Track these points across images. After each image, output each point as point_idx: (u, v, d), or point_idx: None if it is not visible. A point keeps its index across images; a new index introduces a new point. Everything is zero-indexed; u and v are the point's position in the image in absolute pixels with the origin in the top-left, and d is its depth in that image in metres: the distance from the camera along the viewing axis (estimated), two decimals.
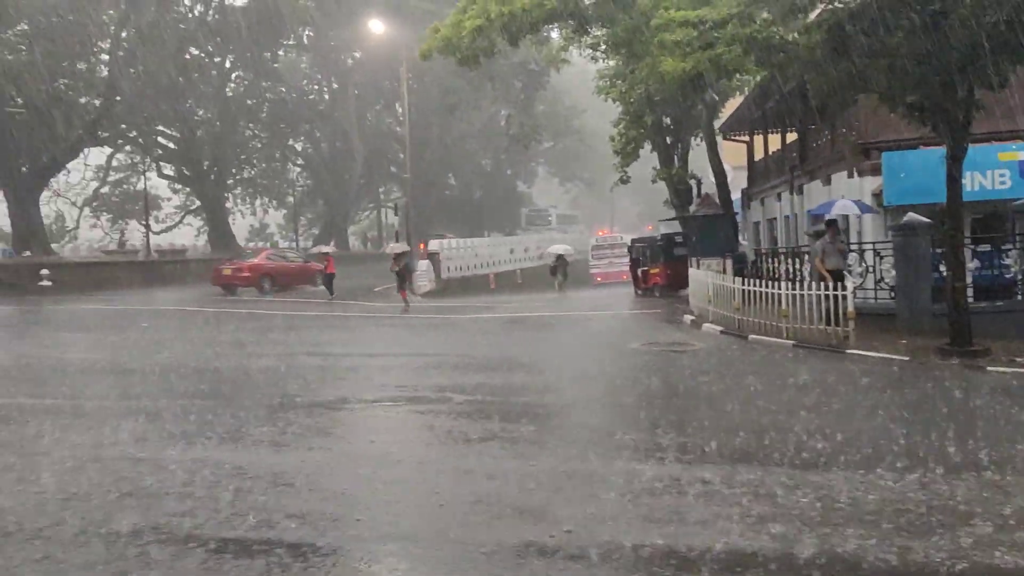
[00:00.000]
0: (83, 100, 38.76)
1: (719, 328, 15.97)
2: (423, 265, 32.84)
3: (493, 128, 63.58)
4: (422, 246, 34.92)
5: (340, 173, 58.87)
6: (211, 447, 7.53)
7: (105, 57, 40.30)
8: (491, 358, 13.78)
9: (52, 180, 41.79)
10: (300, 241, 62.67)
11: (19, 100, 33.84)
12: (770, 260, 19.95)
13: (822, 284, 14.09)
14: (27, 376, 12.23)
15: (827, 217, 16.01)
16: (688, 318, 18.33)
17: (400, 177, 52.34)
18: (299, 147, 61.77)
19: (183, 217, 57.76)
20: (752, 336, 14.68)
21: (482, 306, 25.00)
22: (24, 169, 36.94)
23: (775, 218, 25.75)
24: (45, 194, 42.65)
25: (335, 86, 59.04)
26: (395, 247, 27.69)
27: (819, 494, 5.65)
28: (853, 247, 16.34)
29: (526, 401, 10.02)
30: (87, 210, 51.65)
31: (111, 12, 38.06)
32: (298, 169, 64.02)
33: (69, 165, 42.79)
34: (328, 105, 59.79)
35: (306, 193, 64.32)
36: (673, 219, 30.22)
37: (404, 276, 25.43)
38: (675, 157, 29.35)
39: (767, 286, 15.22)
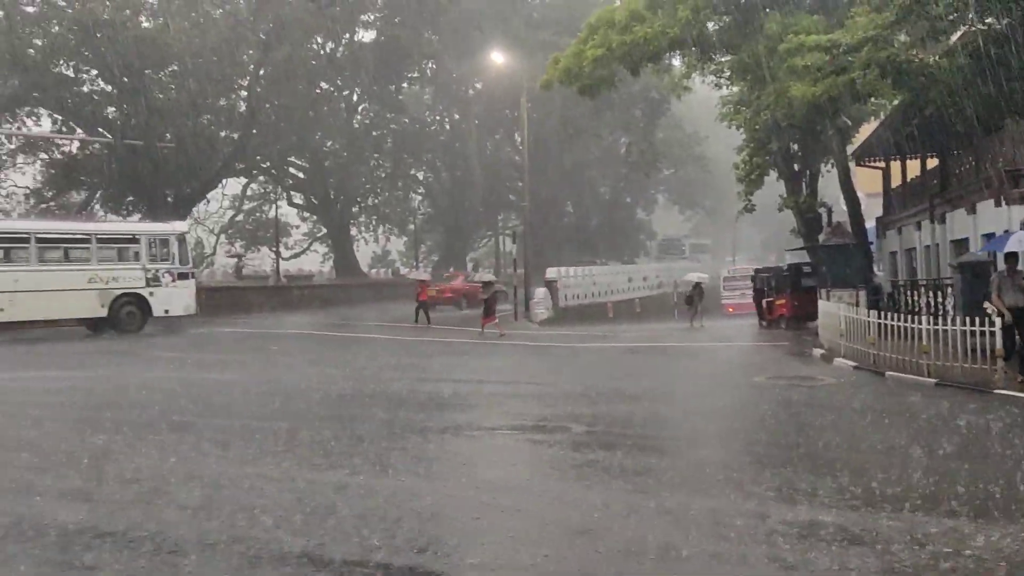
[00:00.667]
0: (223, 134, 41.15)
1: (852, 363, 15.19)
2: (540, 293, 32.89)
3: (612, 156, 63.43)
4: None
5: (460, 201, 59.98)
6: (333, 469, 7.67)
7: (244, 93, 42.67)
8: (610, 388, 13.55)
9: (193, 209, 44.43)
10: (421, 268, 64.07)
11: (167, 135, 36.17)
12: (909, 292, 18.92)
13: (986, 320, 13.12)
14: (192, 395, 12.85)
15: (1005, 250, 14.73)
16: (817, 352, 17.55)
17: (518, 205, 52.88)
18: (420, 176, 63.40)
19: (310, 244, 60.30)
20: (889, 373, 13.88)
21: (600, 335, 24.77)
22: (169, 199, 39.40)
23: (913, 248, 24.49)
24: (187, 222, 45.40)
25: (456, 116, 60.41)
26: (483, 276, 27.84)
27: (963, 547, 5.19)
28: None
29: (646, 433, 9.77)
30: (223, 237, 54.63)
31: (250, 52, 40.30)
32: (419, 197, 65.70)
33: (209, 195, 45.47)
34: (449, 135, 61.20)
35: (427, 221, 65.84)
36: (801, 248, 29.19)
37: (491, 304, 25.18)
38: (803, 184, 28.39)
39: (906, 320, 14.39)
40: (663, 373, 16.54)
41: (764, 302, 27.20)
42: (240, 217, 55.04)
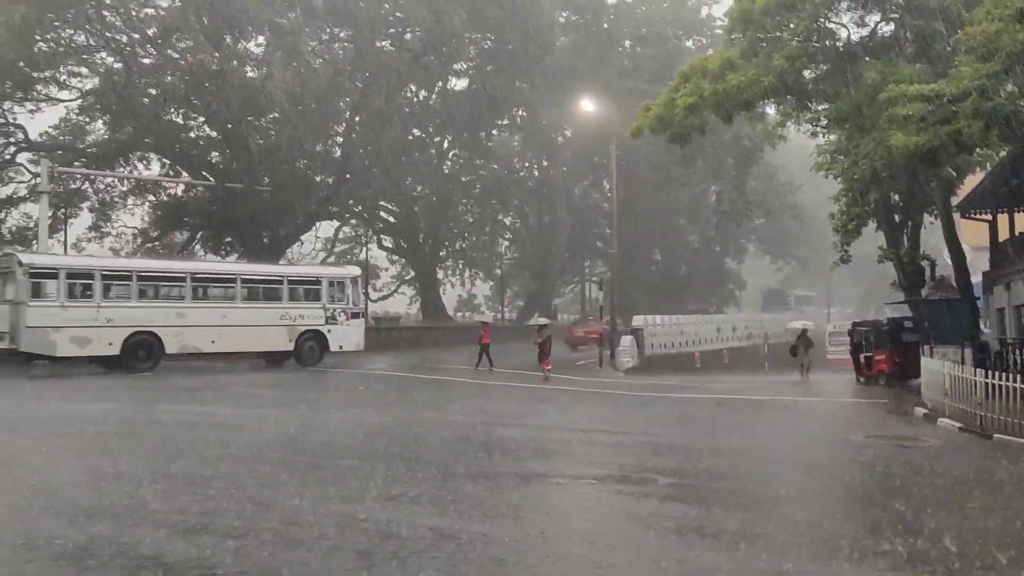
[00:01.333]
0: (318, 178, 42.52)
1: (957, 424, 14.40)
2: (626, 341, 32.54)
3: (702, 203, 62.85)
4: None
5: (546, 247, 60.27)
6: (417, 510, 7.65)
7: (339, 139, 44.13)
8: (697, 440, 13.18)
9: (287, 250, 45.90)
10: (506, 312, 64.41)
11: (266, 179, 37.62)
12: (1019, 351, 17.89)
13: None
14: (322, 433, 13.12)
15: None
16: (919, 411, 16.72)
17: (605, 251, 52.74)
18: (508, 221, 64.04)
19: (399, 286, 61.43)
20: (997, 435, 13.08)
21: (687, 385, 24.25)
22: (265, 240, 40.83)
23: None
24: (281, 263, 46.97)
25: (545, 162, 61.02)
26: (538, 320, 28.13)
27: None
28: None
29: (734, 488, 9.43)
30: None
31: (347, 99, 41.74)
32: (506, 242, 66.31)
33: (303, 236, 46.93)
34: (537, 181, 61.80)
35: (513, 266, 66.34)
36: (902, 302, 28.04)
37: (545, 348, 25.39)
38: (904, 236, 27.35)
39: (1016, 380, 13.58)
40: (753, 427, 16.01)
41: (862, 357, 26.18)
42: (332, 259, 56.55)
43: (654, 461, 11.14)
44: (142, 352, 23.67)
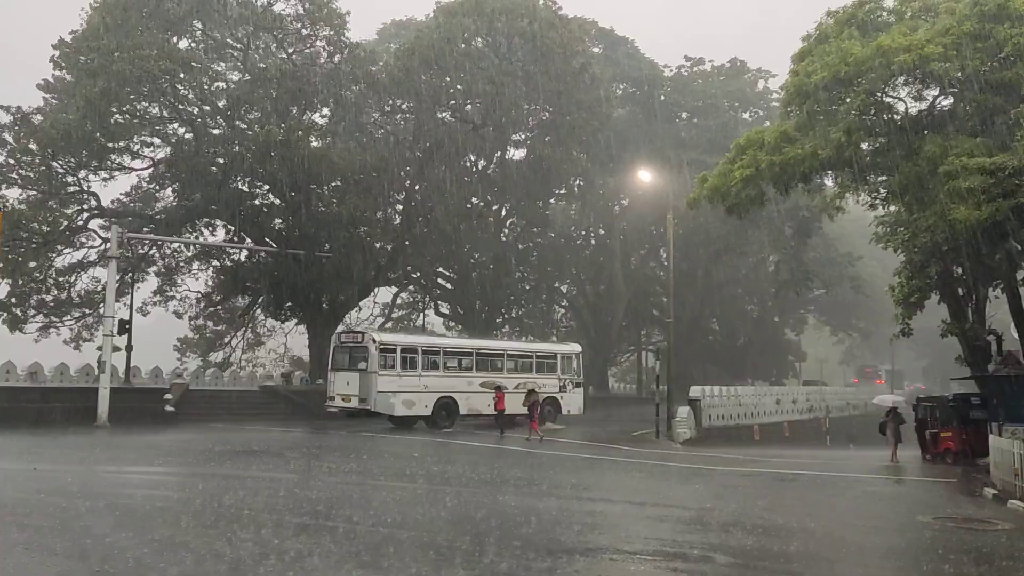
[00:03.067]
0: (378, 245, 43.32)
1: None
2: (683, 412, 32.06)
3: (761, 273, 62.31)
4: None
5: (603, 315, 60.14)
6: None
7: (399, 207, 45.13)
8: (758, 518, 12.88)
9: (346, 315, 46.62)
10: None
11: (327, 245, 38.54)
12: None
13: None
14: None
15: None
16: (989, 492, 16.13)
17: (662, 320, 52.37)
18: (564, 289, 64.16)
19: None
20: None
21: (746, 459, 23.75)
22: (324, 305, 41.62)
23: None
24: (339, 328, 47.70)
25: (601, 231, 61.35)
26: (528, 385, 29.74)
27: None
28: None
29: (795, 570, 9.21)
30: None
31: (407, 168, 42.81)
32: (562, 310, 66.30)
33: (361, 303, 47.61)
34: (594, 249, 62.07)
35: (569, 333, 66.20)
36: (968, 378, 27.21)
37: (533, 411, 26.92)
38: (969, 310, 26.73)
39: None
40: (816, 505, 15.59)
41: (928, 434, 25.40)
42: (389, 324, 57.21)
43: (712, 539, 10.98)
44: (443, 412, 29.36)
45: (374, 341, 28.69)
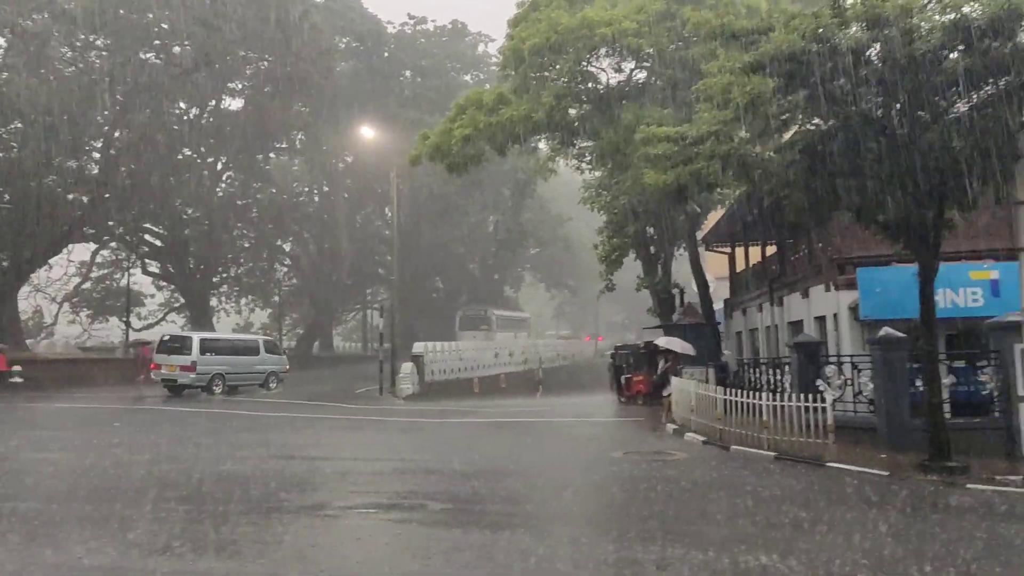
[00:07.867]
0: (71, 196, 38.94)
1: (701, 438, 15.86)
2: (406, 368, 32.63)
3: (481, 233, 64.55)
4: None
5: (327, 274, 59.22)
6: (192, 555, 7.36)
7: (96, 155, 40.91)
8: (472, 464, 13.54)
9: (32, 275, 41.67)
10: (285, 340, 62.32)
11: (6, 196, 34.07)
12: (752, 370, 19.99)
13: (818, 396, 14.13)
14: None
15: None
16: (671, 427, 18.21)
17: (387, 279, 52.66)
18: (287, 247, 62.21)
19: (166, 314, 57.29)
20: (734, 447, 14.57)
21: (466, 410, 24.76)
22: (5, 263, 36.90)
23: (756, 328, 25.97)
24: (25, 289, 42.55)
25: (326, 188, 60.13)
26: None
27: None
28: (832, 359, 16.44)
29: (505, 510, 9.83)
30: (66, 305, 51.09)
31: (105, 113, 38.85)
32: (285, 268, 64.26)
33: (52, 260, 42.77)
34: (318, 207, 60.73)
35: (292, 292, 64.43)
36: (656, 327, 30.38)
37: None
38: (658, 266, 29.77)
39: (748, 396, 15.21)
40: (525, 449, 16.67)
41: (623, 378, 28.03)
42: (87, 285, 51.95)
43: (427, 487, 11.38)
44: None
45: None
